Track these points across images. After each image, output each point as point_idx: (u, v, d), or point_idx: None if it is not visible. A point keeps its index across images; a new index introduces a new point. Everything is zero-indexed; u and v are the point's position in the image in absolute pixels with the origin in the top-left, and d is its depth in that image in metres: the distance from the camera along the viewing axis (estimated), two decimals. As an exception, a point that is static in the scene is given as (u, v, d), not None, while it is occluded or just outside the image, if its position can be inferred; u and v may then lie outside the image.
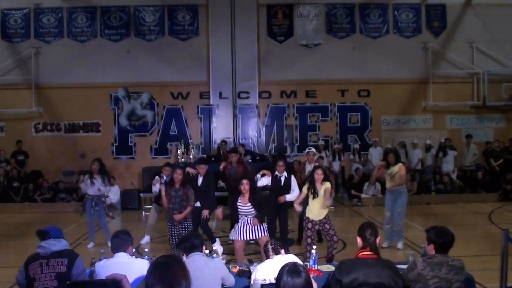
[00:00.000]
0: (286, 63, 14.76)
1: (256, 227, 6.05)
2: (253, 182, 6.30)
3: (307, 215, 6.41)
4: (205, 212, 7.25)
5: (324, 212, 6.37)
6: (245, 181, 6.05)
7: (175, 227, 6.67)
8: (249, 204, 6.01)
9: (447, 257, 3.59)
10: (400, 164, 7.66)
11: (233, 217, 6.40)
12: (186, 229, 6.62)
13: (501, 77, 14.50)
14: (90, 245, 8.18)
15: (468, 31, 14.89)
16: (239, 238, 6.11)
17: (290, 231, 8.48)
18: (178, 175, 6.67)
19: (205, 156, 13.39)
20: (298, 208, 6.63)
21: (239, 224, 6.14)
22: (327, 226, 6.36)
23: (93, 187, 8.19)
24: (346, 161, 14.24)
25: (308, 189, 6.38)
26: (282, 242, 7.08)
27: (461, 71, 14.96)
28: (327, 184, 6.33)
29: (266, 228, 6.19)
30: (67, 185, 13.51)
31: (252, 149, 14.18)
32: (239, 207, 6.08)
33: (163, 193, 6.82)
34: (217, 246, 7.28)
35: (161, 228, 8.89)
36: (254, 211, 6.02)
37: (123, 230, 4.17)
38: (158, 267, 2.54)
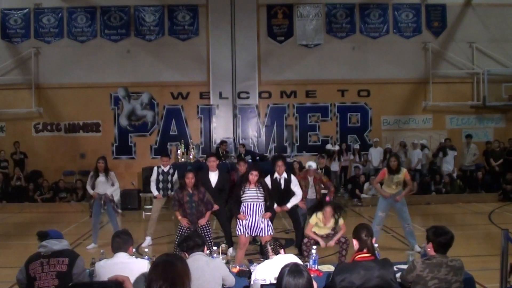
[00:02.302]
0: (286, 63, 14.76)
1: (263, 223, 5.99)
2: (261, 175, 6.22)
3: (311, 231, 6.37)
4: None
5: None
6: (255, 172, 6.06)
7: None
8: (254, 187, 6.01)
9: (446, 258, 3.58)
10: (404, 170, 7.46)
11: (235, 211, 6.24)
12: (207, 231, 6.50)
13: (501, 77, 14.51)
14: (91, 246, 8.08)
15: (468, 31, 14.90)
16: (244, 233, 6.03)
17: (290, 231, 8.50)
18: (190, 179, 6.38)
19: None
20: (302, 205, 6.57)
21: (246, 220, 6.02)
22: (331, 236, 6.41)
23: (99, 186, 8.22)
24: (348, 162, 14.29)
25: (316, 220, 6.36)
26: (297, 242, 7.16)
27: (461, 71, 14.96)
28: (341, 221, 6.32)
29: (272, 227, 6.13)
30: (67, 185, 13.52)
31: (252, 149, 14.19)
32: (245, 193, 6.03)
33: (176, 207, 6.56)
34: (232, 252, 7.32)
35: (160, 228, 8.90)
36: (261, 196, 6.01)
37: (123, 230, 4.17)
38: (160, 264, 2.54)
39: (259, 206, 6.02)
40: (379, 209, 7.56)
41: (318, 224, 6.34)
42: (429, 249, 3.65)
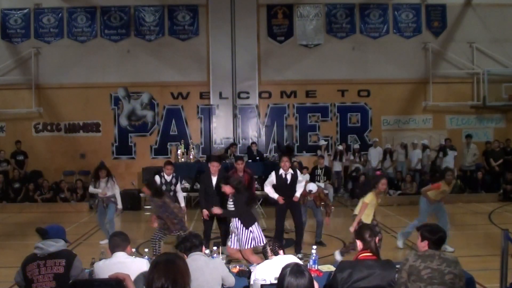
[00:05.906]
0: (286, 63, 14.76)
1: (241, 236, 5.86)
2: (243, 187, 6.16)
3: None
4: (217, 211, 6.45)
5: None
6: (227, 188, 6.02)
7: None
8: (231, 200, 5.97)
9: (439, 251, 3.62)
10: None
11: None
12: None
13: (501, 77, 14.50)
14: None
15: (468, 31, 14.89)
16: (232, 246, 6.04)
17: (290, 231, 8.49)
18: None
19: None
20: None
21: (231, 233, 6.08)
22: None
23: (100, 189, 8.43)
24: (348, 162, 14.29)
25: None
26: (297, 238, 7.27)
27: (461, 71, 14.96)
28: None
29: (252, 239, 5.85)
30: (67, 185, 13.51)
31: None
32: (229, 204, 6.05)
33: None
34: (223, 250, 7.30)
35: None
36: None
37: (119, 231, 4.20)
38: (161, 263, 2.55)
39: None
40: (421, 213, 8.11)
41: (372, 202, 6.30)
42: (423, 246, 3.67)
